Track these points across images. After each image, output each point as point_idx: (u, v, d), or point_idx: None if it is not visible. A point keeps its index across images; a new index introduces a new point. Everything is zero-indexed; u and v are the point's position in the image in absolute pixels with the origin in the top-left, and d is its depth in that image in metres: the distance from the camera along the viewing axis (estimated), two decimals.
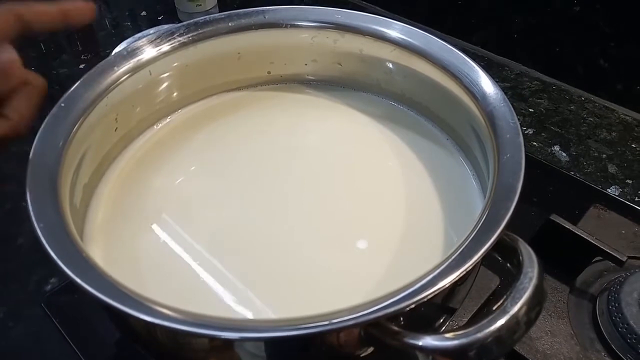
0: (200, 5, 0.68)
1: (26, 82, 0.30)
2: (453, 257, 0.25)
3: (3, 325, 0.39)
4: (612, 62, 0.55)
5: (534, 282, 0.25)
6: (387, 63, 0.40)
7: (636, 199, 0.46)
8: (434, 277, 0.24)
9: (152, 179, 0.38)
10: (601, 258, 0.39)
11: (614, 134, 0.52)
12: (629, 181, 0.47)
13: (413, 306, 0.23)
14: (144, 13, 0.74)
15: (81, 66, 0.64)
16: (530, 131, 0.53)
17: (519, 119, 0.54)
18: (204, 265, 0.33)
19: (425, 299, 0.23)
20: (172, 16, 0.71)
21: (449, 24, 0.65)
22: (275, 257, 0.33)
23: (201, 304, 0.31)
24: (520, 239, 0.27)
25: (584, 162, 0.49)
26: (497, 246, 0.26)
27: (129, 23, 0.72)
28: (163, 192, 0.37)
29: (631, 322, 0.35)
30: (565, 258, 0.38)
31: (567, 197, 0.45)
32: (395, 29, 0.38)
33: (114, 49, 0.38)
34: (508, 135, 0.29)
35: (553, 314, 0.37)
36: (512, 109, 0.31)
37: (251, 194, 0.37)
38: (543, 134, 0.52)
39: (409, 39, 0.37)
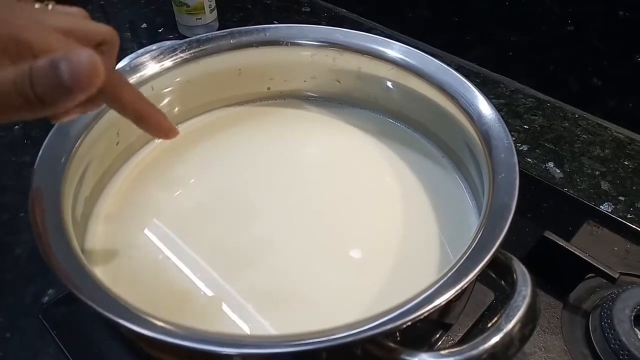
0: (201, 18, 0.68)
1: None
2: (449, 274, 0.26)
3: (0, 336, 0.39)
4: (605, 80, 0.56)
5: (527, 300, 0.26)
6: (385, 81, 0.41)
7: (628, 215, 0.46)
8: (431, 294, 0.25)
9: (152, 192, 0.38)
10: (594, 275, 0.39)
11: (607, 151, 0.53)
12: (622, 198, 0.48)
13: (409, 323, 0.24)
14: (144, 25, 0.74)
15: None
16: (524, 147, 0.53)
17: (513, 135, 0.55)
18: (203, 278, 0.33)
19: (422, 316, 0.24)
20: (172, 29, 0.72)
21: (445, 40, 0.66)
22: (273, 271, 0.33)
23: (200, 317, 0.31)
24: (515, 258, 0.28)
25: (578, 178, 0.50)
26: (492, 264, 0.26)
27: (129, 34, 0.73)
28: (163, 205, 0.37)
29: (623, 339, 0.35)
30: (558, 274, 0.39)
31: (561, 213, 0.46)
32: (393, 49, 0.39)
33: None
34: (503, 155, 0.30)
35: (547, 329, 0.38)
36: (506, 129, 0.31)
37: (249, 207, 0.37)
38: (537, 151, 0.53)
39: (406, 59, 0.38)
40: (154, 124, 0.28)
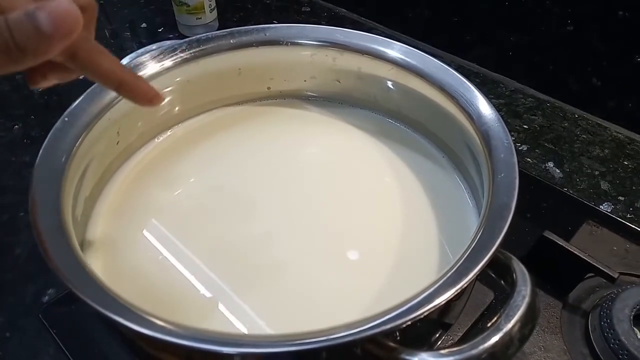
0: (200, 18, 0.68)
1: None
2: (449, 274, 0.26)
3: (0, 335, 0.39)
4: (605, 80, 0.56)
5: (527, 300, 0.26)
6: (385, 81, 0.41)
7: (628, 215, 0.47)
8: (431, 294, 0.25)
9: (152, 192, 0.38)
10: (593, 274, 0.39)
11: (606, 151, 0.53)
12: (621, 198, 0.48)
13: (409, 323, 0.24)
14: (144, 25, 0.74)
15: (81, 77, 0.64)
16: (524, 147, 0.53)
17: (513, 135, 0.55)
18: (202, 278, 0.33)
19: (422, 316, 0.24)
20: (172, 29, 0.72)
21: (445, 40, 0.66)
22: (272, 270, 0.33)
23: (199, 316, 0.31)
24: (514, 257, 0.28)
25: (577, 178, 0.50)
26: (492, 264, 0.26)
27: (128, 34, 0.73)
28: (162, 205, 0.37)
29: (622, 338, 0.35)
30: (558, 274, 0.39)
31: (561, 213, 0.46)
32: (394, 49, 0.39)
33: None
34: (502, 155, 0.30)
35: (546, 329, 0.38)
36: (506, 129, 0.31)
37: (249, 207, 0.37)
38: (537, 151, 0.53)
39: (406, 59, 0.38)
40: (136, 90, 0.28)
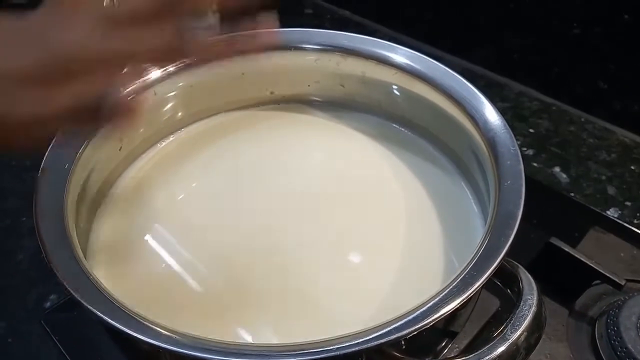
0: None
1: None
2: (455, 283, 0.25)
3: (2, 341, 0.39)
4: (611, 83, 0.56)
5: (533, 309, 0.26)
6: (390, 86, 0.40)
7: (635, 221, 0.46)
8: (437, 303, 0.24)
9: (154, 197, 0.38)
10: (600, 281, 0.39)
11: (613, 155, 0.53)
12: (628, 203, 0.48)
13: (415, 332, 0.23)
14: None
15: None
16: (530, 152, 0.53)
17: (519, 139, 0.55)
18: (204, 284, 0.33)
19: (428, 326, 0.24)
20: None
21: (449, 42, 0.66)
22: (276, 277, 0.33)
23: (201, 324, 0.31)
24: (521, 266, 0.27)
25: (584, 183, 0.50)
26: (498, 272, 0.26)
27: None
28: (165, 210, 0.37)
29: (629, 346, 0.35)
30: (564, 281, 0.38)
31: (567, 219, 0.46)
32: (398, 53, 0.38)
33: None
34: (509, 162, 0.30)
35: (552, 337, 0.37)
36: (513, 136, 0.31)
37: (252, 212, 0.37)
38: (543, 155, 0.53)
39: (411, 64, 0.38)
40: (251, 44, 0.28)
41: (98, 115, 0.23)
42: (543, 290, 0.27)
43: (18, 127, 0.22)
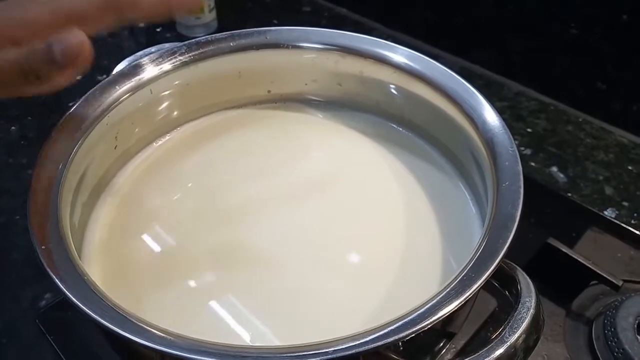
0: (200, 17, 0.68)
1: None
2: (452, 285, 0.25)
3: None
4: (609, 84, 0.56)
5: (531, 312, 0.25)
6: (388, 85, 0.40)
7: (632, 221, 0.46)
8: (435, 305, 0.24)
9: (150, 196, 0.38)
10: (597, 282, 0.39)
11: (610, 155, 0.53)
12: (626, 203, 0.48)
13: (413, 334, 0.23)
14: (141, 25, 0.74)
15: (78, 77, 0.64)
16: (528, 151, 0.53)
17: (517, 139, 0.55)
18: (201, 285, 0.32)
19: (426, 328, 0.24)
20: (170, 28, 0.71)
21: (447, 42, 0.66)
22: (273, 278, 0.33)
23: (199, 325, 0.30)
24: (519, 268, 0.27)
25: (581, 183, 0.50)
26: (496, 274, 0.26)
27: (126, 33, 0.72)
28: (160, 210, 0.37)
29: (626, 347, 0.35)
30: (562, 281, 0.38)
31: (564, 219, 0.46)
32: (397, 53, 0.38)
33: (110, 60, 0.38)
34: (507, 163, 0.30)
35: (549, 337, 0.37)
36: (511, 137, 0.31)
37: (248, 212, 0.37)
38: (541, 155, 0.53)
39: (410, 63, 0.37)
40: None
41: (49, 61, 0.24)
42: (540, 291, 0.27)
43: None
